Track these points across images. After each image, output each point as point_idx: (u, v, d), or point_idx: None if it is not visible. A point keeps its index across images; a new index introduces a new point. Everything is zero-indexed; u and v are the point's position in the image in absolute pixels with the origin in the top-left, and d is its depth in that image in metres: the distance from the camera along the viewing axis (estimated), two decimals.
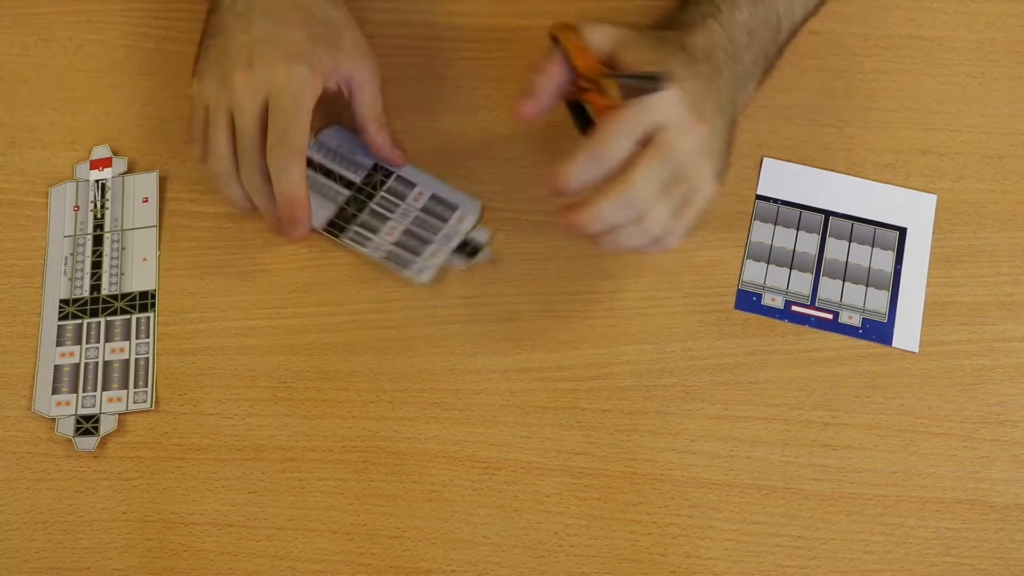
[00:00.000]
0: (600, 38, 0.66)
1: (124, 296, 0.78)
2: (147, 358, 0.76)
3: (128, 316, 0.77)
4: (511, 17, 0.84)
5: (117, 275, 0.78)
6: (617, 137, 0.62)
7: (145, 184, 0.81)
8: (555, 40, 0.67)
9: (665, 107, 0.63)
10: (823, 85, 0.80)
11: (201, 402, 0.75)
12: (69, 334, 0.77)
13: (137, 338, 0.77)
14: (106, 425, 0.75)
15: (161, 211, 0.80)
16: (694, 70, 0.66)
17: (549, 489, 0.72)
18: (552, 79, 0.67)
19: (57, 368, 0.77)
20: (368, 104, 0.76)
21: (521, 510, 0.72)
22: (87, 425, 0.75)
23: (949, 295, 0.74)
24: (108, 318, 0.77)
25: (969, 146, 0.78)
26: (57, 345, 0.77)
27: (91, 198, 0.80)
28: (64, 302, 0.78)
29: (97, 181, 0.81)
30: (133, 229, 0.80)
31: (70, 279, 0.79)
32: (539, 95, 0.67)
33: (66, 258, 0.79)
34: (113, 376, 0.76)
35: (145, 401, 0.75)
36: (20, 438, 0.75)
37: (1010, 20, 0.81)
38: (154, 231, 0.80)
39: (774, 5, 0.72)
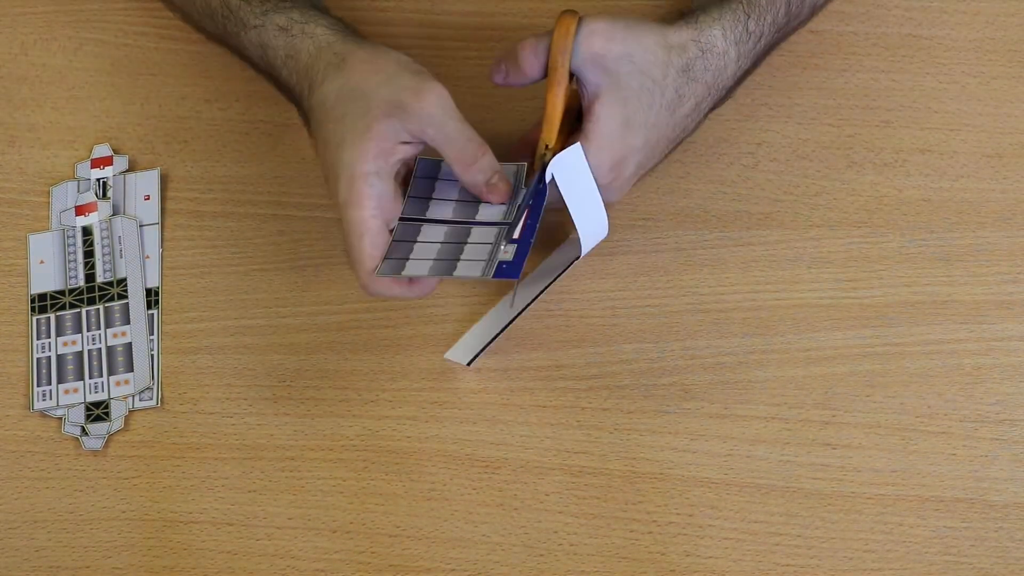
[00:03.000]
0: (592, 37, 0.67)
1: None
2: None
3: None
4: (511, 17, 0.84)
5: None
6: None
7: (147, 182, 0.81)
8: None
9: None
10: (823, 84, 0.80)
11: (201, 401, 0.75)
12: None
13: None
14: (116, 411, 0.75)
15: (162, 210, 0.80)
16: (650, 83, 0.68)
17: (549, 488, 0.72)
18: (525, 75, 0.69)
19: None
20: (446, 146, 0.68)
21: (521, 509, 0.72)
22: (98, 411, 0.75)
23: (948, 294, 0.74)
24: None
25: (968, 145, 0.78)
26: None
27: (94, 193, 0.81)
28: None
29: (98, 179, 0.81)
30: (140, 225, 0.80)
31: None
32: (511, 76, 0.70)
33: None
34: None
35: (152, 399, 0.75)
36: (20, 437, 0.76)
37: (1010, 19, 0.80)
38: (156, 228, 0.80)
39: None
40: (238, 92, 0.82)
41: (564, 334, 0.75)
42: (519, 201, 0.68)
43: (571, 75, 0.68)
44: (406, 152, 0.68)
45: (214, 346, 0.77)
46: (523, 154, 0.72)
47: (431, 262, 0.67)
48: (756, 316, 0.75)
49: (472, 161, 0.67)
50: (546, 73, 0.68)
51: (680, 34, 0.69)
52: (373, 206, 0.66)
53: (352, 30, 0.72)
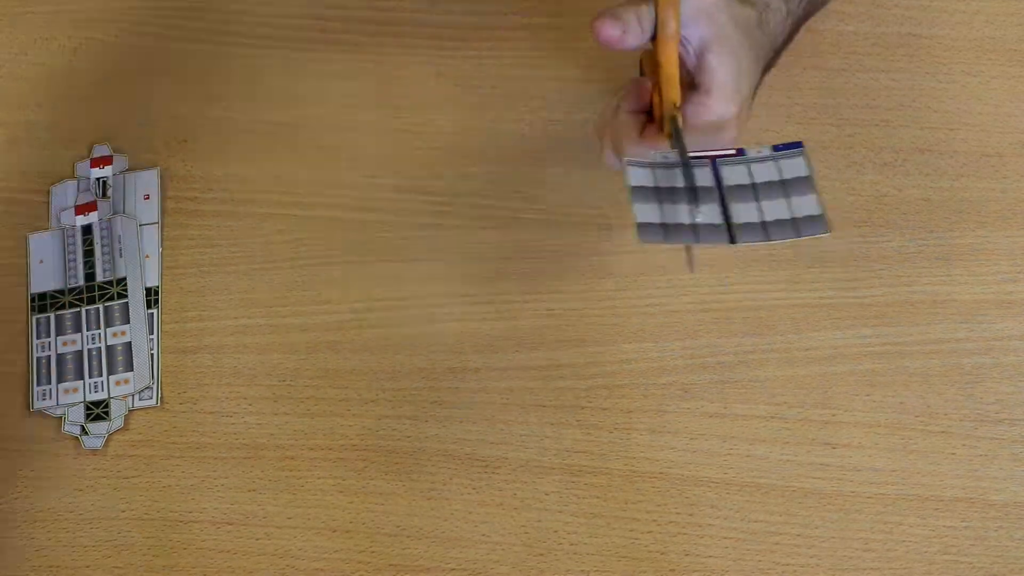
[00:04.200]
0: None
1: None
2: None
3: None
4: (511, 16, 0.84)
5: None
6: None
7: (146, 181, 0.81)
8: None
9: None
10: (823, 83, 0.80)
11: (200, 400, 0.75)
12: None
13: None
14: (116, 410, 0.75)
15: (162, 209, 0.80)
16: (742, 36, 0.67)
17: (548, 487, 0.72)
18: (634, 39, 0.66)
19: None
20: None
21: (520, 508, 0.72)
22: (98, 411, 0.75)
23: (948, 293, 0.74)
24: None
25: (968, 145, 0.78)
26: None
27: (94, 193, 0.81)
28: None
29: (98, 179, 0.81)
30: (140, 225, 0.80)
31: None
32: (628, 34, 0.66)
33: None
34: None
35: (151, 398, 0.75)
36: (20, 436, 0.76)
37: (1009, 19, 0.81)
38: (156, 228, 0.80)
39: None
40: (238, 92, 0.83)
41: (564, 334, 0.75)
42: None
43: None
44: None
45: (214, 346, 0.77)
46: (632, 116, 0.68)
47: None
48: (756, 316, 0.75)
49: None
50: (653, 36, 0.65)
51: None
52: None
53: None
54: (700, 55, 0.66)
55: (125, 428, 0.75)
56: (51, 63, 0.85)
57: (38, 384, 0.76)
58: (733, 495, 0.71)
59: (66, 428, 0.75)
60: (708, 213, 0.61)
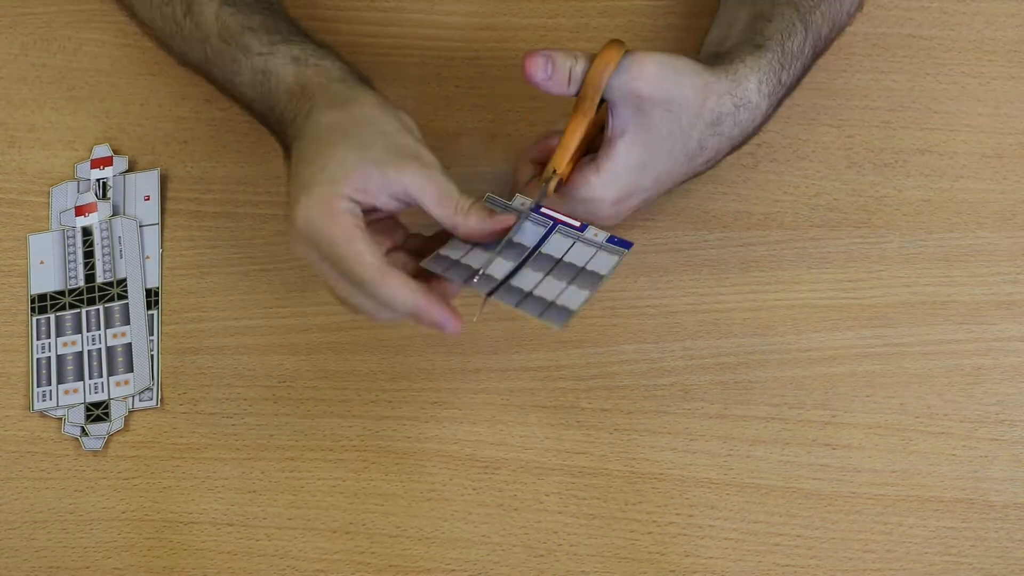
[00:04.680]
0: (639, 80, 0.65)
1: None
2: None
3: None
4: (511, 17, 0.84)
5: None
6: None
7: (146, 182, 0.81)
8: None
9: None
10: (823, 84, 0.80)
11: (201, 401, 0.75)
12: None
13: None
14: (116, 411, 0.75)
15: (162, 210, 0.80)
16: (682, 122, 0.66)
17: (548, 488, 0.72)
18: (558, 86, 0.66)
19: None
20: (437, 205, 0.64)
21: (520, 509, 0.72)
22: (98, 412, 0.75)
23: (948, 294, 0.74)
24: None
25: (968, 145, 0.78)
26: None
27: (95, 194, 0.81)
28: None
29: (98, 180, 0.81)
30: (140, 226, 0.80)
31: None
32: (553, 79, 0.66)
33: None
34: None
35: (152, 399, 0.75)
36: (20, 437, 0.76)
37: (1009, 20, 0.80)
38: (156, 229, 0.80)
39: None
40: None
41: (564, 334, 0.75)
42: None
43: (601, 100, 0.66)
44: (384, 203, 0.64)
45: (214, 346, 0.77)
46: (529, 164, 0.71)
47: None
48: (756, 316, 0.75)
49: (467, 207, 0.65)
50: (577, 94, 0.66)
51: (719, 83, 0.66)
52: (351, 222, 0.63)
53: (365, 78, 0.71)
54: (614, 136, 0.66)
55: (125, 429, 0.75)
56: (51, 63, 0.85)
57: (38, 385, 0.76)
58: (733, 496, 0.71)
59: (66, 429, 0.75)
60: (497, 267, 0.65)
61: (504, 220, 0.65)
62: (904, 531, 0.70)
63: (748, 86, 0.67)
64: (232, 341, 0.77)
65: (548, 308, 0.63)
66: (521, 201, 0.67)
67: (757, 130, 0.71)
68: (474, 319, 0.66)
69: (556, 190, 0.67)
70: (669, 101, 0.65)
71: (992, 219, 0.76)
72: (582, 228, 0.67)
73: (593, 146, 0.69)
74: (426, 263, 0.65)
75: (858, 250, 0.76)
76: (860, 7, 0.76)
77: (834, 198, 0.77)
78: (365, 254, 0.62)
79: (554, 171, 0.67)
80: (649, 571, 0.70)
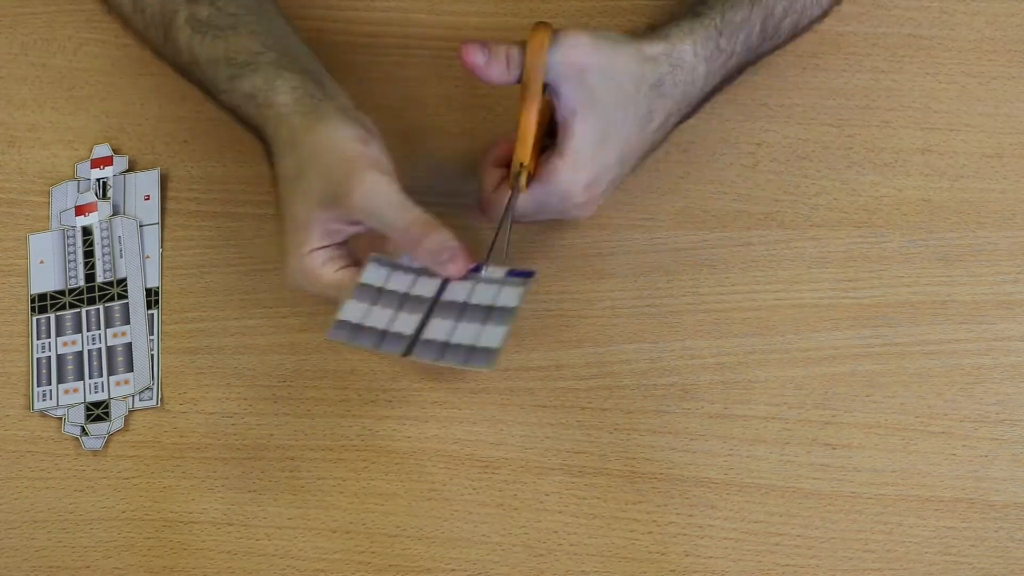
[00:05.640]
0: (573, 50, 0.66)
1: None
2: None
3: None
4: (511, 17, 0.84)
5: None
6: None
7: (147, 182, 0.81)
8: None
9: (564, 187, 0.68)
10: (823, 85, 0.80)
11: (201, 401, 0.75)
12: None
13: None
14: (116, 411, 0.75)
15: (162, 210, 0.80)
16: (628, 99, 0.67)
17: (548, 488, 0.72)
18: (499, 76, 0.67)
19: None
20: (388, 232, 0.67)
21: (520, 509, 0.72)
22: (98, 411, 0.75)
23: (948, 294, 0.74)
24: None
25: (968, 145, 0.78)
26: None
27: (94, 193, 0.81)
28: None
29: (98, 179, 0.81)
30: (140, 225, 0.80)
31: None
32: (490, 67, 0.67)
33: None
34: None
35: (152, 399, 0.75)
36: (20, 437, 0.76)
37: (1010, 19, 0.81)
38: (156, 228, 0.80)
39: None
40: None
41: (564, 334, 0.75)
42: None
43: (544, 87, 0.66)
44: (353, 230, 0.68)
45: (214, 346, 0.77)
46: (493, 169, 0.71)
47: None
48: (756, 316, 0.75)
49: (417, 242, 0.66)
50: (520, 81, 0.67)
51: (653, 47, 0.68)
52: (330, 272, 0.68)
53: (321, 89, 0.70)
54: (566, 117, 0.67)
55: (125, 429, 0.75)
56: (51, 63, 0.85)
57: (38, 385, 0.77)
58: (733, 496, 0.71)
59: (66, 429, 0.75)
60: (404, 323, 0.65)
61: (451, 271, 0.66)
62: (904, 531, 0.70)
63: (683, 48, 0.68)
64: (232, 341, 0.77)
65: (471, 353, 0.64)
66: (409, 258, 0.67)
67: (702, 96, 0.72)
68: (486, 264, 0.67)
69: (527, 185, 0.68)
70: (609, 68, 0.66)
71: (992, 219, 0.76)
72: (476, 268, 0.67)
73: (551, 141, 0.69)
74: (329, 334, 0.65)
75: (858, 250, 0.76)
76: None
77: (834, 198, 0.77)
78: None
79: (521, 165, 0.68)
80: (649, 571, 0.70)
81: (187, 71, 0.75)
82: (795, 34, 0.76)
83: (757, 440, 0.72)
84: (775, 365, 0.74)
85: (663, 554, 0.70)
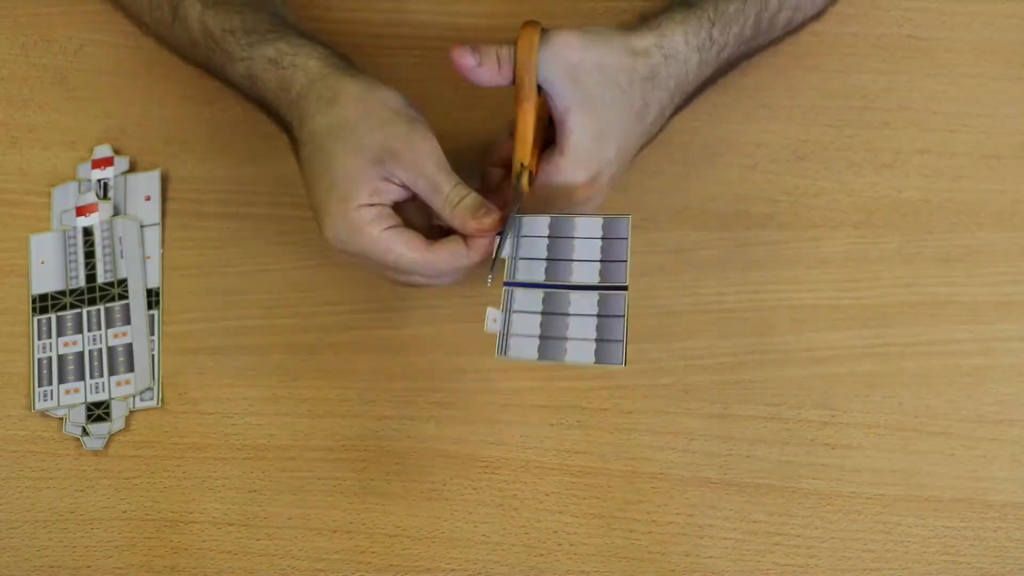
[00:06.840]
0: (563, 48, 0.66)
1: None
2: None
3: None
4: (511, 17, 0.83)
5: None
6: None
7: (147, 182, 0.81)
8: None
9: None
10: (822, 85, 0.80)
11: (201, 401, 0.75)
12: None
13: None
14: (117, 411, 0.75)
15: (163, 210, 0.80)
16: (623, 95, 0.67)
17: (548, 488, 0.72)
18: (490, 78, 0.67)
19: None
20: (433, 196, 0.66)
21: (520, 509, 0.72)
22: (99, 412, 0.75)
23: (948, 295, 0.75)
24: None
25: (967, 146, 0.78)
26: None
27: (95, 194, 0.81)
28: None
29: (99, 180, 0.81)
30: (141, 226, 0.80)
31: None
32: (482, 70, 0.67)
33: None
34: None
35: (152, 399, 0.76)
36: (21, 437, 0.76)
37: (1008, 21, 0.81)
38: (157, 229, 0.80)
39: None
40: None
41: None
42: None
43: (539, 87, 0.66)
44: (397, 194, 0.66)
45: (214, 346, 0.77)
46: (495, 169, 0.71)
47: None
48: (756, 316, 0.75)
49: (455, 206, 0.66)
50: (513, 82, 0.67)
51: (644, 39, 0.68)
52: (377, 231, 0.65)
53: (346, 61, 0.71)
54: (561, 115, 0.67)
55: (126, 429, 0.75)
56: (52, 64, 0.85)
57: (39, 385, 0.77)
58: (733, 496, 0.71)
59: (67, 429, 0.75)
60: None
61: (487, 223, 0.65)
62: (903, 531, 0.70)
63: (675, 38, 0.68)
64: (232, 341, 0.77)
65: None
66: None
67: (696, 87, 0.71)
68: (488, 283, 0.66)
69: (530, 184, 0.68)
70: (600, 64, 0.66)
71: (992, 219, 0.76)
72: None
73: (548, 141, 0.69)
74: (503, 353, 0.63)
75: (858, 250, 0.76)
76: None
77: (834, 198, 0.77)
78: (404, 254, 0.65)
79: (522, 165, 0.68)
80: (649, 571, 0.70)
81: (194, 48, 0.75)
82: (789, 31, 0.76)
83: (756, 440, 0.72)
84: (774, 365, 0.74)
85: (663, 554, 0.70)
